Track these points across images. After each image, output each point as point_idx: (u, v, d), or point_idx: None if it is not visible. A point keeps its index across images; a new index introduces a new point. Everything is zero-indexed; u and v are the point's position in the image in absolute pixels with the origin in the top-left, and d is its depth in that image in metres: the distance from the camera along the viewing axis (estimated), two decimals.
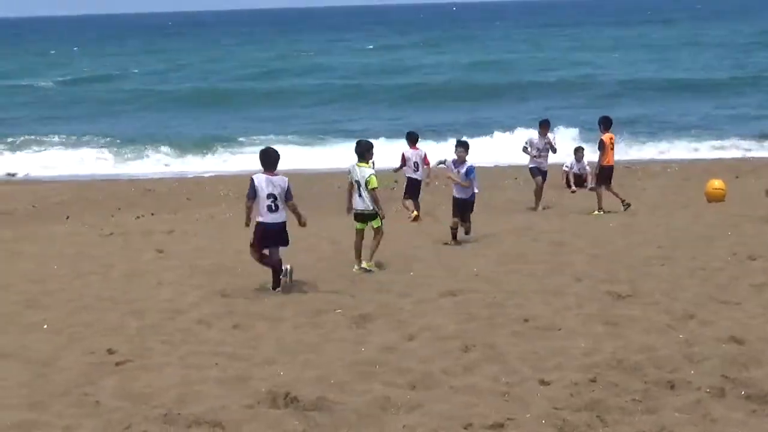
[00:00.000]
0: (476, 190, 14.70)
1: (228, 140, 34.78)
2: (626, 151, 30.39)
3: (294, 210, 11.44)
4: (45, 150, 34.37)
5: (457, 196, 14.61)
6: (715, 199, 18.22)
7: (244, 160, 29.48)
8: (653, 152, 30.08)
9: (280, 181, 11.31)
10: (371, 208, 12.42)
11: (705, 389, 7.54)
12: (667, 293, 10.64)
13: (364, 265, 12.47)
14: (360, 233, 12.62)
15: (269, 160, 11.41)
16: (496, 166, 26.57)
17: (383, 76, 57.62)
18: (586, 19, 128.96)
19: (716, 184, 18.62)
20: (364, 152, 12.58)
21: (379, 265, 12.66)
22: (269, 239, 11.49)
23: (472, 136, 29.41)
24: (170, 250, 14.77)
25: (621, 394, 7.50)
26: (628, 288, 10.91)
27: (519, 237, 14.69)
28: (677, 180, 22.62)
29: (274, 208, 11.31)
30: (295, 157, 30.09)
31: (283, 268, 11.49)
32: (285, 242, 11.56)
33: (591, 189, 21.58)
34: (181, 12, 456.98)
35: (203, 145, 33.86)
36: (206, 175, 28.24)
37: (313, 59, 73.62)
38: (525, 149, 19.04)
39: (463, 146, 14.65)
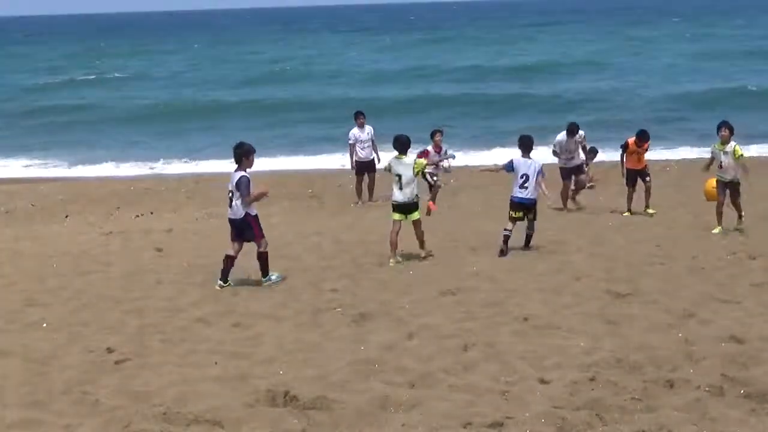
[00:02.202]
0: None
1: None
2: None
3: (244, 202, 11.48)
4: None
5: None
6: (714, 197, 18.18)
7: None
8: (652, 152, 29.99)
9: (233, 178, 11.53)
10: (413, 200, 12.81)
11: (704, 388, 7.55)
12: (666, 292, 10.65)
13: (422, 253, 13.02)
14: (397, 225, 12.91)
15: (234, 155, 11.64)
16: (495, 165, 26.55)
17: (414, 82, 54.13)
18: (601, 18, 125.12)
19: (715, 182, 18.59)
20: (404, 145, 12.91)
21: (428, 253, 13.15)
22: (232, 232, 11.83)
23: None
24: (170, 248, 14.78)
25: (620, 392, 7.50)
26: (627, 287, 10.92)
27: (519, 236, 14.69)
28: (676, 179, 22.60)
29: (230, 203, 11.65)
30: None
31: (270, 275, 11.80)
32: (247, 238, 11.73)
33: (590, 187, 21.59)
34: (189, 11, 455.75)
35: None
36: (205, 174, 28.22)
37: (325, 62, 70.79)
38: (555, 152, 18.32)
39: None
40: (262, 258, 11.75)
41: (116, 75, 66.26)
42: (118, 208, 21.06)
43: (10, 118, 45.48)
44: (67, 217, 19.85)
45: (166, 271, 12.94)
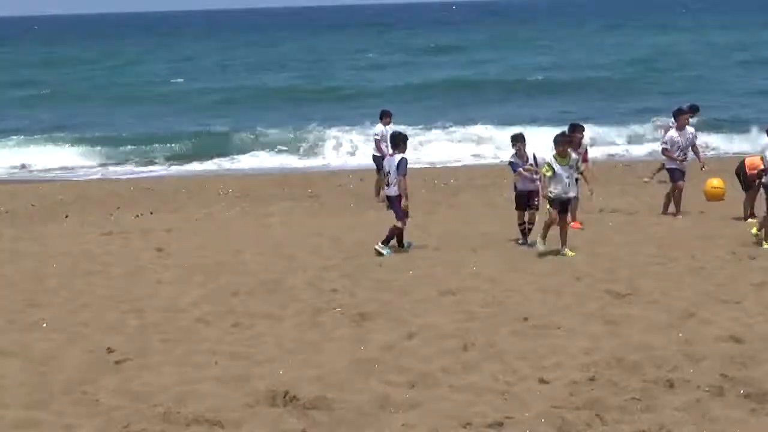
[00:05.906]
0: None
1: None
2: (626, 149, 30.34)
3: (399, 184, 13.44)
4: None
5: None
6: (714, 197, 18.20)
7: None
8: (652, 149, 29.90)
9: (393, 160, 13.60)
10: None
11: (704, 388, 7.55)
12: (666, 292, 10.65)
13: (566, 252, 13.06)
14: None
15: (391, 140, 13.96)
16: (493, 165, 26.55)
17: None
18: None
19: (715, 182, 18.59)
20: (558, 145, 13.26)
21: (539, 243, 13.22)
22: (391, 208, 13.91)
23: None
24: (170, 248, 14.77)
25: (620, 392, 7.51)
26: (627, 287, 10.92)
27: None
28: None
29: (387, 183, 13.85)
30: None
31: (405, 242, 13.78)
32: (398, 213, 13.60)
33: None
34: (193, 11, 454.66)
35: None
36: (206, 174, 28.24)
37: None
38: (666, 150, 16.50)
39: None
40: (395, 231, 13.48)
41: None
42: (118, 208, 21.04)
43: None
44: (67, 217, 19.83)
45: (166, 271, 12.94)
